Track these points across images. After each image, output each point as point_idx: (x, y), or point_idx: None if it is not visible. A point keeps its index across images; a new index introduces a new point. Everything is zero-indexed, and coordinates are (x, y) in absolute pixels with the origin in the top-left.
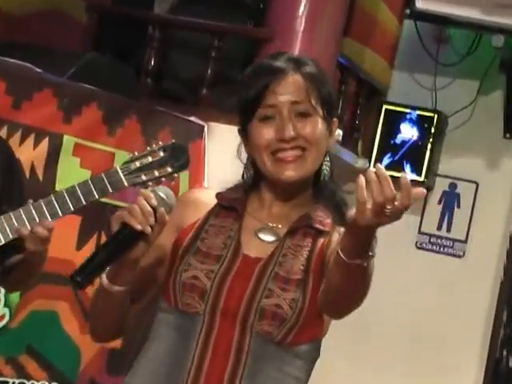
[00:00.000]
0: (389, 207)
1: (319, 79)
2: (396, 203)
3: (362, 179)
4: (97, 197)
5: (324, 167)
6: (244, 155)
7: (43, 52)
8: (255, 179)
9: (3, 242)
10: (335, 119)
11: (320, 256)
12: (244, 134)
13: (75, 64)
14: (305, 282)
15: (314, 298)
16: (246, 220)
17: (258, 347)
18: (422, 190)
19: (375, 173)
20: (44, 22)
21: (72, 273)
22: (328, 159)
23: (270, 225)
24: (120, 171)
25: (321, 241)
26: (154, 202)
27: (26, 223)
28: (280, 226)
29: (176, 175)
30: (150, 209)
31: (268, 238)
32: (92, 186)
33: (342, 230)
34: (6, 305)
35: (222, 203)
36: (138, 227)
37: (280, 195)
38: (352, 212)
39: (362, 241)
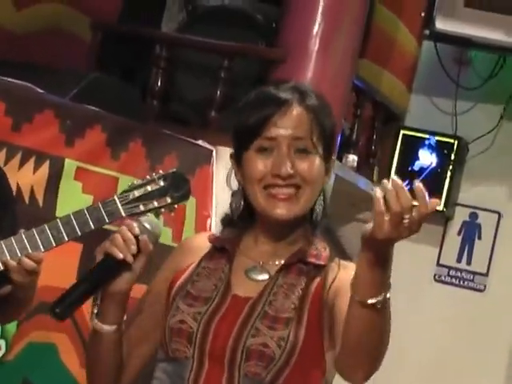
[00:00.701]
0: (407, 217)
1: (323, 113)
2: (413, 213)
3: (378, 190)
4: (92, 227)
5: (317, 206)
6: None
7: (45, 71)
8: (249, 212)
9: None
10: (333, 157)
11: (317, 294)
12: (237, 160)
13: (78, 84)
14: (296, 321)
15: (310, 337)
16: (237, 259)
17: None
18: (436, 201)
19: (391, 183)
20: (46, 40)
21: (51, 304)
22: (322, 197)
23: (261, 263)
24: (118, 201)
25: (317, 279)
26: (137, 230)
27: (18, 253)
28: (271, 263)
29: (176, 206)
30: (131, 237)
31: (259, 276)
32: (88, 215)
33: (341, 262)
34: (2, 336)
35: (214, 244)
36: (120, 255)
37: (272, 230)
38: (368, 226)
39: (379, 263)
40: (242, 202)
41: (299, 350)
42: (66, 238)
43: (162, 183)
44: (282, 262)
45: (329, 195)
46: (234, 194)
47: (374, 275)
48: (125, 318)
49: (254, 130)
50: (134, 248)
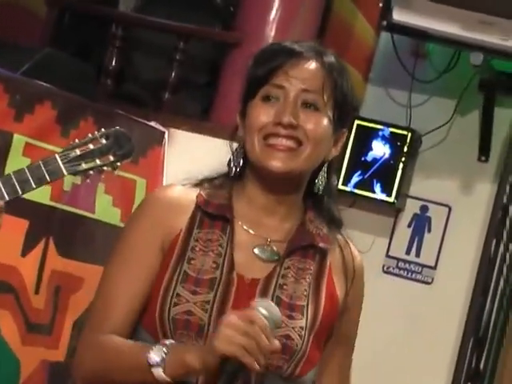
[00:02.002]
0: None
1: (341, 76)
2: None
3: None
4: (34, 186)
5: (320, 177)
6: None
7: None
8: (241, 171)
9: None
10: (345, 130)
11: (330, 279)
12: (242, 115)
13: (30, 59)
14: (309, 310)
15: (322, 328)
16: (236, 232)
17: None
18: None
19: None
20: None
21: None
22: (325, 170)
23: (269, 240)
24: (59, 159)
25: (326, 262)
26: (269, 332)
27: None
28: (276, 240)
29: (119, 164)
30: (267, 344)
31: (267, 255)
32: (29, 174)
33: (344, 242)
34: None
35: (207, 211)
36: (257, 367)
37: (265, 194)
38: None
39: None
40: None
41: (312, 340)
42: (7, 197)
43: (104, 141)
44: (287, 239)
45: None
46: (234, 153)
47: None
48: None
49: (263, 77)
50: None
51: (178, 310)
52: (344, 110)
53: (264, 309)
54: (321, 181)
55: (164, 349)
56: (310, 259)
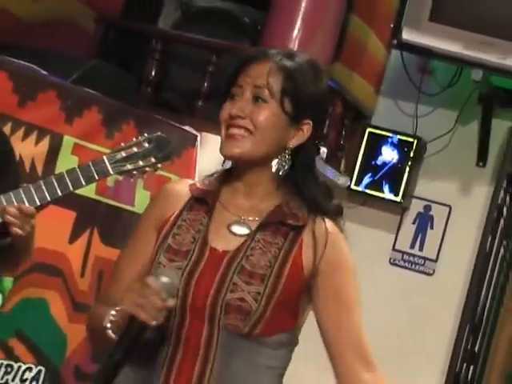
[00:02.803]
0: None
1: (299, 75)
2: None
3: None
4: (84, 184)
5: (278, 162)
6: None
7: (51, 57)
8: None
9: None
10: (307, 120)
11: (299, 255)
12: None
13: (80, 69)
14: (271, 278)
15: (287, 293)
16: (217, 212)
17: (226, 341)
18: None
19: None
20: (54, 29)
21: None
22: (288, 155)
23: (242, 217)
24: (106, 160)
25: (298, 240)
26: (164, 295)
27: (15, 204)
28: (251, 219)
29: (160, 165)
30: (160, 305)
31: (239, 230)
32: (79, 172)
33: (329, 226)
34: None
35: (194, 195)
36: (153, 323)
37: (240, 182)
38: None
39: None
40: None
41: (274, 303)
42: (60, 193)
43: (146, 145)
44: (261, 218)
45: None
46: None
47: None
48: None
49: (229, 80)
50: (163, 314)
51: (157, 261)
52: (300, 102)
53: (165, 276)
54: (280, 165)
55: (112, 312)
56: (280, 235)
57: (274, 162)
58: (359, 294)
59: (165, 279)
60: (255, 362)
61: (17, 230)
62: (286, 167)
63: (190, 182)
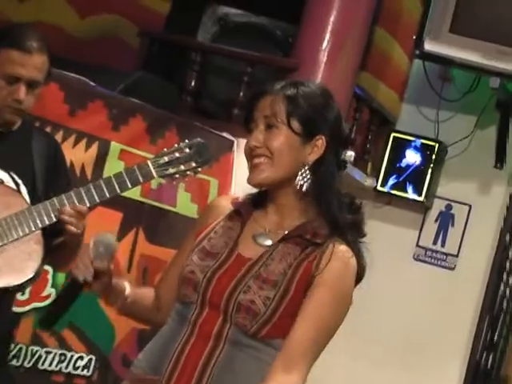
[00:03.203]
0: None
1: (301, 99)
2: None
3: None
4: (130, 186)
5: (300, 178)
6: None
7: (98, 69)
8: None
9: (47, 223)
10: (319, 136)
11: (308, 269)
12: None
13: (125, 80)
14: (285, 285)
15: (293, 302)
16: (249, 224)
17: (234, 336)
18: None
19: None
20: (101, 44)
21: (40, 319)
22: (306, 171)
23: (268, 230)
24: (150, 164)
25: (312, 255)
26: (94, 253)
27: (67, 206)
28: (278, 232)
29: (199, 170)
30: (88, 264)
31: (264, 241)
32: (126, 176)
33: (336, 248)
34: (53, 285)
35: (233, 207)
36: (81, 278)
37: (271, 201)
38: None
39: None
40: None
41: (282, 310)
42: (108, 195)
43: (187, 150)
44: (285, 230)
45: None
46: None
47: None
48: (127, 292)
49: (246, 117)
50: (91, 271)
51: (187, 269)
52: (307, 121)
53: (99, 238)
54: (300, 181)
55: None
56: (299, 248)
57: (297, 179)
58: (334, 319)
59: (96, 239)
60: (259, 359)
61: (71, 228)
62: (308, 181)
63: (235, 196)
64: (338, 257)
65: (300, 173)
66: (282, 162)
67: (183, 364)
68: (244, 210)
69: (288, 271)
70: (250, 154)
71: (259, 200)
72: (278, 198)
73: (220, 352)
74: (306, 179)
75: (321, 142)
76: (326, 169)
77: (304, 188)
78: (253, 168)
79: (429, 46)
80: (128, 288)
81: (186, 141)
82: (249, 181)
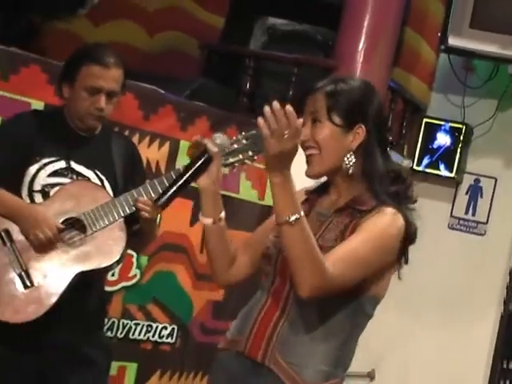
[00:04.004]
0: (286, 132)
1: (340, 94)
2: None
3: (260, 120)
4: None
5: (347, 162)
6: None
7: (166, 79)
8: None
9: (128, 212)
10: (358, 125)
11: (353, 228)
12: None
13: (190, 87)
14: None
15: None
16: (316, 207)
17: (299, 299)
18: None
19: (269, 109)
20: (167, 57)
21: (156, 197)
22: (350, 156)
23: (328, 209)
24: None
25: (359, 218)
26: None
27: (145, 196)
28: (331, 207)
29: (255, 158)
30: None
31: (322, 217)
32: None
33: (382, 208)
34: (137, 267)
35: (305, 194)
36: (214, 149)
37: (330, 185)
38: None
39: (280, 187)
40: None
41: None
42: None
43: (244, 142)
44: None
45: (376, 163)
46: None
47: (277, 199)
48: (222, 214)
49: (298, 113)
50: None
51: (265, 247)
52: (346, 114)
53: (218, 138)
54: (346, 165)
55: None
56: (349, 217)
57: (343, 164)
58: (369, 252)
59: (214, 135)
60: (324, 321)
61: (146, 215)
62: (353, 165)
63: (307, 187)
64: (382, 212)
65: (345, 158)
66: (329, 152)
67: (258, 325)
68: (312, 196)
69: (339, 236)
70: (302, 147)
71: (325, 186)
72: (334, 181)
73: (288, 314)
74: (351, 163)
75: (361, 130)
76: (367, 152)
77: (350, 171)
78: (307, 163)
79: (452, 41)
80: (223, 215)
81: (243, 133)
82: (306, 174)
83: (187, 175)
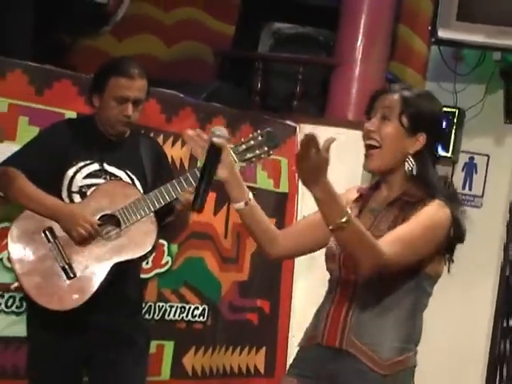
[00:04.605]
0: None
1: (414, 101)
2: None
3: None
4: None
5: (410, 164)
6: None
7: (185, 84)
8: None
9: (158, 207)
10: (422, 133)
11: (403, 219)
12: None
13: (206, 90)
14: None
15: None
16: (369, 203)
17: (364, 289)
18: (332, 138)
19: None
20: (184, 64)
21: (192, 205)
22: (411, 160)
23: (380, 203)
24: (232, 151)
25: (410, 211)
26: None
27: (172, 192)
28: (383, 202)
29: (271, 152)
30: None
31: (376, 211)
32: None
33: (429, 202)
34: (168, 254)
35: (358, 192)
36: (222, 142)
37: (383, 182)
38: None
39: (319, 201)
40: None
41: None
42: None
43: (260, 138)
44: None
45: (426, 168)
46: None
47: (322, 210)
48: (250, 195)
49: (369, 106)
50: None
51: (328, 246)
52: (414, 120)
53: (218, 130)
54: (408, 167)
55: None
56: (400, 209)
57: (406, 165)
58: (420, 238)
59: (212, 129)
60: (385, 303)
61: (182, 207)
62: (415, 167)
63: (360, 186)
64: (431, 205)
65: (406, 160)
66: (389, 149)
67: (332, 316)
68: (365, 193)
69: (391, 226)
70: (366, 135)
71: (378, 185)
72: (388, 178)
73: (357, 299)
74: (411, 165)
75: (422, 139)
76: (422, 160)
77: (414, 172)
78: (366, 157)
79: (442, 34)
80: (251, 195)
81: (258, 131)
82: (364, 167)
83: (208, 174)
